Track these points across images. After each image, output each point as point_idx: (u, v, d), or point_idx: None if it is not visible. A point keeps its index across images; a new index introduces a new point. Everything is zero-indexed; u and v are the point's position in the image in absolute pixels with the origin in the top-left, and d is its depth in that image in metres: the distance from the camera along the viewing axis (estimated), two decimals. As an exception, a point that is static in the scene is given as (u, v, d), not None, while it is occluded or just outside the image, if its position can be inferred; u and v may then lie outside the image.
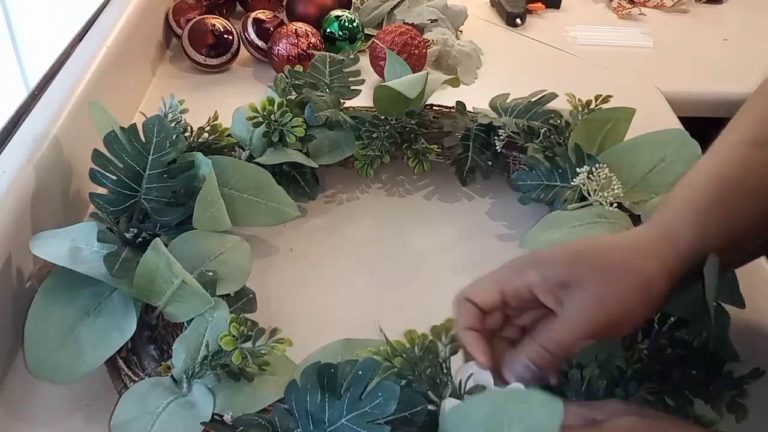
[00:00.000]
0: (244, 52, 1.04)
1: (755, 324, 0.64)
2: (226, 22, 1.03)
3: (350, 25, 1.03)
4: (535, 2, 1.26)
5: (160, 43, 1.06)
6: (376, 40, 0.98)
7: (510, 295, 0.48)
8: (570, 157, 0.72)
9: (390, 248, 0.74)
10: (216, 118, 0.74)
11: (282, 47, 0.97)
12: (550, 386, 0.49)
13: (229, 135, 0.74)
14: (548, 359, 0.46)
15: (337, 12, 1.04)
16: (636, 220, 0.68)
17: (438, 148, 0.80)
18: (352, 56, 0.83)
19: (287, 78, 0.79)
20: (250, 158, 0.74)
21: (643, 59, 1.13)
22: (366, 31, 1.07)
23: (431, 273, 0.71)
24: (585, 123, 0.75)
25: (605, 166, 0.69)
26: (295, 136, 0.73)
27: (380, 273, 0.71)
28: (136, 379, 0.53)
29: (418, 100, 0.78)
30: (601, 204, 0.68)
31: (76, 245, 0.59)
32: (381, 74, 0.98)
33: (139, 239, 0.63)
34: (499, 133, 0.78)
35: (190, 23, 1.01)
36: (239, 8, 1.19)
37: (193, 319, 0.56)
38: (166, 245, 0.59)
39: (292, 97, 0.78)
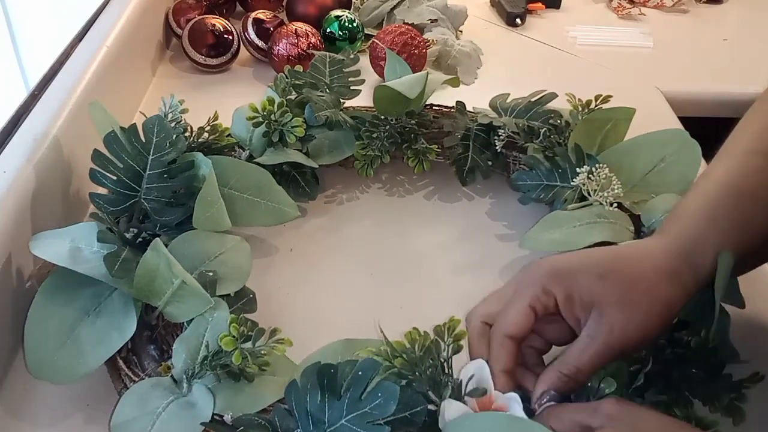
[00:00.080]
0: (244, 52, 1.04)
1: (755, 324, 0.64)
2: (226, 22, 1.03)
3: (350, 25, 1.03)
4: (535, 2, 1.26)
5: (160, 43, 1.06)
6: (376, 40, 0.98)
7: (541, 314, 0.49)
8: (570, 157, 0.72)
9: (390, 248, 0.74)
10: (216, 118, 0.74)
11: (282, 47, 0.97)
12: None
13: (229, 135, 0.74)
14: (570, 384, 0.47)
15: (337, 12, 1.04)
16: (636, 220, 0.68)
17: (438, 148, 0.80)
18: (352, 56, 0.83)
19: (287, 78, 0.79)
20: (250, 158, 0.74)
21: (643, 59, 1.13)
22: (366, 31, 1.07)
23: (431, 273, 0.71)
24: (585, 123, 0.75)
25: (605, 166, 0.69)
26: (295, 136, 0.73)
27: (380, 273, 0.71)
28: (136, 379, 0.53)
29: (418, 100, 0.78)
30: (601, 204, 0.68)
31: (76, 245, 0.59)
32: (381, 74, 0.98)
33: (139, 239, 0.63)
34: (499, 133, 0.78)
35: (190, 23, 1.01)
36: (239, 8, 1.19)
37: (193, 319, 0.56)
38: (166, 245, 0.59)
39: (292, 97, 0.78)
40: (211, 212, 0.64)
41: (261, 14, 1.04)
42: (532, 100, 0.79)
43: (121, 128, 0.63)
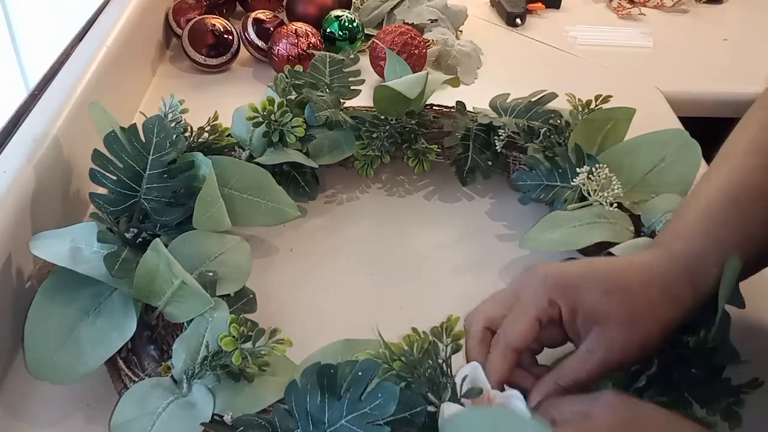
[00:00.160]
0: (244, 52, 1.04)
1: (755, 324, 0.64)
2: (226, 22, 1.03)
3: (350, 25, 1.03)
4: (535, 2, 1.26)
5: (160, 43, 1.06)
6: (376, 40, 0.98)
7: (545, 325, 0.49)
8: (570, 157, 0.72)
9: (390, 248, 0.74)
10: (216, 118, 0.74)
11: (282, 47, 0.97)
12: None
13: (229, 135, 0.74)
14: (565, 395, 0.47)
15: (337, 12, 1.04)
16: (636, 220, 0.68)
17: (438, 148, 0.80)
18: (352, 56, 0.83)
19: (287, 78, 0.79)
20: (250, 158, 0.74)
21: (643, 59, 1.13)
22: (366, 31, 1.07)
23: (431, 273, 0.71)
24: (585, 123, 0.75)
25: (605, 166, 0.69)
26: (295, 136, 0.73)
27: (380, 273, 0.71)
28: (136, 379, 0.53)
29: (418, 100, 0.78)
30: (601, 204, 0.68)
31: (76, 245, 0.59)
32: (381, 74, 0.98)
33: (139, 239, 0.63)
34: (499, 133, 0.78)
35: (190, 23, 1.01)
36: (239, 8, 1.19)
37: (193, 319, 0.56)
38: (166, 245, 0.59)
39: (292, 97, 0.78)
40: (211, 212, 0.64)
41: (261, 14, 1.04)
42: (532, 100, 0.79)
43: (121, 128, 0.63)
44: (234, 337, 0.51)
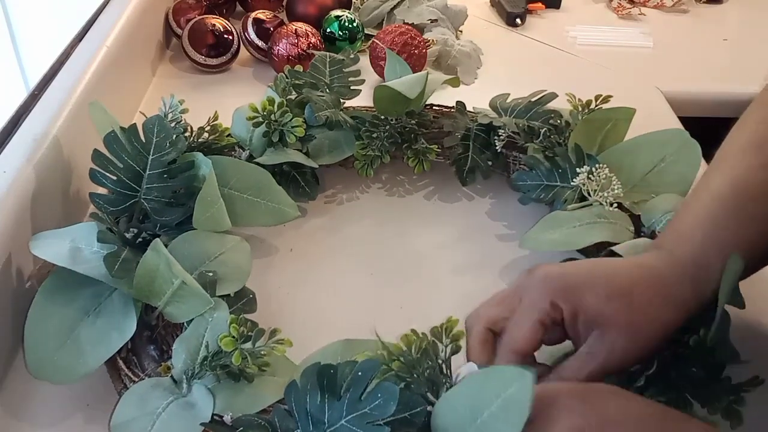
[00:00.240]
0: (244, 52, 1.04)
1: (755, 324, 0.64)
2: (226, 22, 1.03)
3: (350, 25, 1.03)
4: (535, 2, 1.26)
5: (160, 43, 1.06)
6: (376, 40, 0.98)
7: (549, 328, 0.49)
8: (570, 157, 0.72)
9: (390, 248, 0.74)
10: (216, 118, 0.74)
11: (282, 47, 0.97)
12: None
13: (229, 135, 0.74)
14: None
15: (337, 12, 1.04)
16: (636, 220, 0.68)
17: (438, 148, 0.80)
18: (352, 56, 0.83)
19: (287, 78, 0.79)
20: (250, 158, 0.74)
21: (643, 59, 1.13)
22: (366, 31, 1.07)
23: (431, 273, 0.71)
24: (585, 123, 0.75)
25: (605, 166, 0.69)
26: (295, 136, 0.73)
27: (380, 273, 0.71)
28: (136, 379, 0.53)
29: (418, 100, 0.78)
30: (601, 204, 0.68)
31: (76, 245, 0.59)
32: (381, 74, 0.98)
33: (139, 239, 0.63)
34: (499, 133, 0.78)
35: (190, 23, 1.01)
36: (239, 8, 1.19)
37: (193, 319, 0.56)
38: (166, 245, 0.59)
39: (292, 97, 0.78)
40: (211, 212, 0.64)
41: (261, 14, 1.04)
42: (532, 100, 0.79)
43: (121, 128, 0.63)
44: (234, 337, 0.51)
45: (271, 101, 0.73)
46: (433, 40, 1.04)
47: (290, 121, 0.73)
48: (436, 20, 1.09)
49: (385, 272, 0.71)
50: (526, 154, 0.75)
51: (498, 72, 1.07)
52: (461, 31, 1.15)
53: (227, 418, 0.50)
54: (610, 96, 0.77)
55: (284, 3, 1.13)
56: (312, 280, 0.70)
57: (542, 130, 0.76)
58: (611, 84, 0.94)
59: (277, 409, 0.47)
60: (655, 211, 0.67)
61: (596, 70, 1.10)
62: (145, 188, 0.63)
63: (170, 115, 0.70)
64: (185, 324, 0.56)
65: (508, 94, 0.81)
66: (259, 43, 1.02)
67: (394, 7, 1.12)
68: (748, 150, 0.55)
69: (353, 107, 0.83)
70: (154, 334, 0.58)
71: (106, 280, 0.57)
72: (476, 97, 0.82)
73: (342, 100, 0.81)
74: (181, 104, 0.71)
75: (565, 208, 0.70)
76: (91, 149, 0.62)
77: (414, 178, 0.84)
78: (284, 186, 0.73)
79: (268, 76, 1.00)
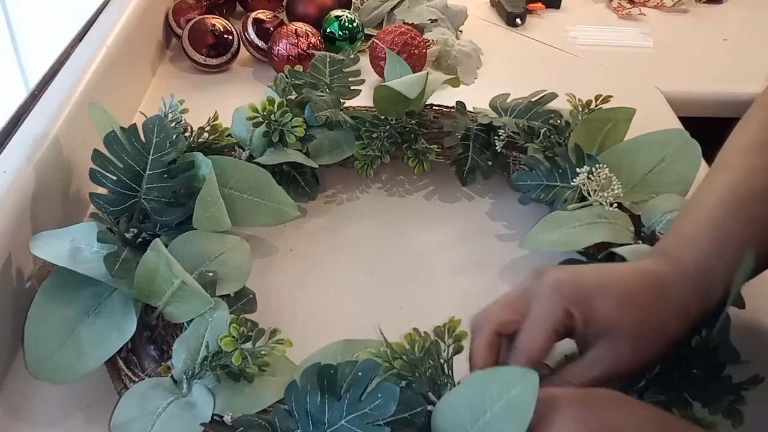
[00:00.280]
0: (244, 52, 1.04)
1: (755, 324, 0.64)
2: (226, 22, 1.03)
3: (350, 25, 1.03)
4: (535, 2, 1.26)
5: (160, 43, 1.06)
6: (376, 40, 0.98)
7: (561, 334, 0.49)
8: (570, 157, 0.72)
9: (390, 248, 0.74)
10: (216, 118, 0.74)
11: (282, 47, 0.97)
12: None
13: (229, 135, 0.74)
14: None
15: (337, 12, 1.04)
16: (636, 220, 0.68)
17: (438, 148, 0.80)
18: (352, 56, 0.83)
19: (287, 78, 0.79)
20: (250, 158, 0.74)
21: (643, 59, 1.13)
22: (366, 31, 1.07)
23: (431, 273, 0.71)
24: (585, 123, 0.75)
25: (605, 166, 0.69)
26: (295, 136, 0.73)
27: (380, 273, 0.71)
28: (136, 379, 0.53)
29: (418, 100, 0.78)
30: (601, 204, 0.68)
31: (76, 245, 0.59)
32: (381, 74, 0.98)
33: (139, 239, 0.63)
34: (499, 133, 0.78)
35: (190, 23, 1.01)
36: (239, 8, 1.19)
37: (193, 319, 0.56)
38: (166, 245, 0.59)
39: (292, 97, 0.78)
40: (211, 212, 0.64)
41: (261, 14, 1.04)
42: (532, 100, 0.79)
43: (121, 128, 0.63)
44: (234, 337, 0.51)
45: (271, 101, 0.73)
46: (433, 40, 1.04)
47: (290, 121, 0.73)
48: (436, 20, 1.09)
49: (385, 272, 0.71)
50: (526, 154, 0.75)
51: (498, 72, 1.07)
52: (461, 31, 1.15)
53: (227, 418, 0.50)
54: (610, 96, 0.77)
55: (284, 3, 1.13)
56: (312, 280, 0.70)
57: (542, 130, 0.76)
58: (611, 84, 0.94)
59: (277, 409, 0.47)
60: (655, 211, 0.67)
61: (596, 70, 1.10)
62: (145, 188, 0.63)
63: (170, 115, 0.70)
64: (185, 324, 0.56)
65: (508, 94, 0.81)
66: (259, 43, 1.02)
67: (394, 7, 1.12)
68: (750, 152, 0.55)
69: (353, 107, 0.83)
70: (154, 334, 0.58)
71: (106, 280, 0.57)
72: (476, 97, 0.82)
73: (342, 100, 0.81)
74: (181, 104, 0.71)
75: (565, 208, 0.70)
76: (91, 149, 0.62)
77: (414, 178, 0.84)
78: (284, 186, 0.73)
79: (268, 76, 1.00)
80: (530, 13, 1.24)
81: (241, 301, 0.60)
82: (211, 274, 0.59)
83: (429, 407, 0.46)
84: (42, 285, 0.57)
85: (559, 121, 0.77)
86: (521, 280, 0.69)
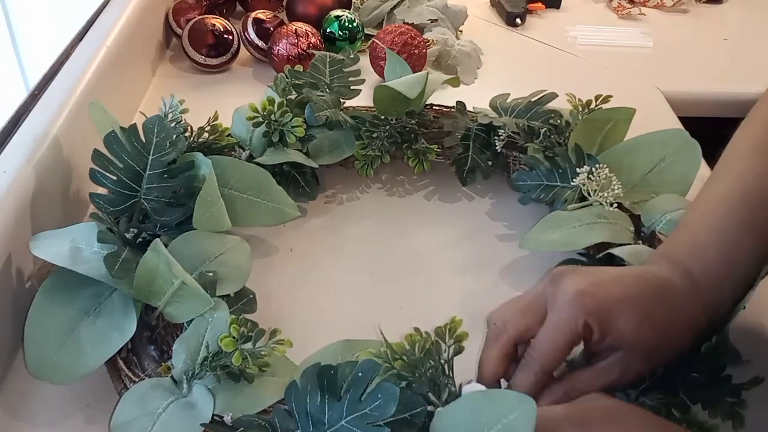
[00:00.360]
0: (244, 52, 1.04)
1: (755, 324, 0.64)
2: (226, 22, 1.03)
3: (350, 25, 1.03)
4: (535, 2, 1.26)
5: (160, 43, 1.06)
6: (376, 40, 0.98)
7: (576, 345, 0.48)
8: (570, 157, 0.72)
9: (390, 248, 0.74)
10: (216, 118, 0.74)
11: (282, 47, 0.97)
12: None
13: (229, 135, 0.74)
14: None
15: (337, 12, 1.04)
16: (636, 220, 0.68)
17: (438, 148, 0.80)
18: (352, 56, 0.83)
19: (287, 78, 0.79)
20: (250, 158, 0.74)
21: (643, 59, 1.13)
22: (366, 31, 1.07)
23: (431, 273, 0.71)
24: (585, 123, 0.75)
25: (605, 166, 0.69)
26: (295, 136, 0.73)
27: (380, 273, 0.71)
28: (136, 379, 0.53)
29: (418, 100, 0.78)
30: (601, 204, 0.68)
31: (76, 245, 0.59)
32: (381, 74, 0.98)
33: (139, 239, 0.63)
34: (499, 133, 0.78)
35: (190, 23, 1.01)
36: (239, 8, 1.19)
37: (193, 319, 0.56)
38: (166, 245, 0.59)
39: (292, 97, 0.78)
40: (211, 212, 0.64)
41: (261, 14, 1.04)
42: (532, 100, 0.79)
43: (121, 128, 0.63)
44: (234, 337, 0.51)
45: (271, 101, 0.73)
46: (433, 40, 1.04)
47: (290, 121, 0.73)
48: (436, 20, 1.09)
49: (385, 272, 0.71)
50: (526, 154, 0.75)
51: (498, 72, 1.07)
52: (461, 31, 1.15)
53: (227, 419, 0.50)
54: (610, 96, 0.77)
55: (284, 3, 1.13)
56: (312, 280, 0.70)
57: (542, 130, 0.76)
58: (611, 84, 0.93)
59: (278, 409, 0.47)
60: (655, 211, 0.67)
61: (596, 70, 1.10)
62: (145, 188, 0.63)
63: (170, 115, 0.70)
64: (185, 324, 0.56)
65: (508, 94, 0.81)
66: (259, 43, 1.02)
67: (394, 7, 1.12)
68: (757, 155, 0.55)
69: (353, 107, 0.83)
70: (154, 335, 0.58)
71: (106, 280, 0.57)
72: (476, 97, 0.82)
73: (342, 100, 0.81)
74: (181, 104, 0.71)
75: (565, 208, 0.70)
76: (91, 149, 0.62)
77: (414, 178, 0.84)
78: (284, 186, 0.73)
79: (268, 76, 1.00)
80: (530, 13, 1.24)
81: (241, 301, 0.60)
82: (211, 274, 0.59)
83: (429, 408, 0.46)
84: (42, 285, 0.57)
85: (559, 121, 0.77)
86: (521, 280, 0.70)
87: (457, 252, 0.74)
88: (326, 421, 0.45)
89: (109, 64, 0.83)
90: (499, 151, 0.78)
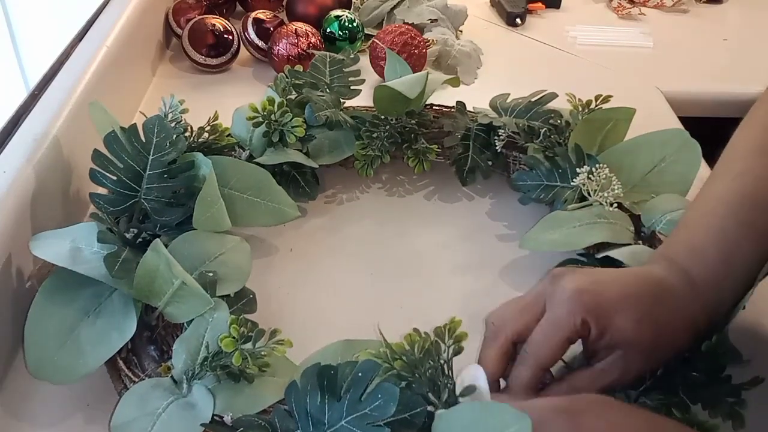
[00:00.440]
0: (244, 52, 1.04)
1: (755, 324, 0.64)
2: (226, 22, 1.03)
3: (350, 25, 1.03)
4: (535, 2, 1.26)
5: (160, 43, 1.06)
6: (376, 40, 0.98)
7: (573, 343, 0.49)
8: (570, 157, 0.72)
9: (390, 248, 0.74)
10: (216, 118, 0.74)
11: (282, 47, 0.97)
12: None
13: (229, 135, 0.74)
14: None
15: (337, 12, 1.04)
16: (636, 220, 0.68)
17: (438, 148, 0.80)
18: (352, 56, 0.83)
19: (287, 78, 0.79)
20: (250, 158, 0.74)
21: (643, 59, 1.13)
22: (366, 31, 1.07)
23: (431, 273, 0.71)
24: (585, 123, 0.75)
25: (605, 166, 0.69)
26: (295, 136, 0.73)
27: (380, 273, 0.71)
28: (136, 379, 0.53)
29: (418, 100, 0.78)
30: (601, 204, 0.68)
31: (76, 245, 0.59)
32: (381, 74, 0.98)
33: (139, 239, 0.63)
34: (499, 133, 0.78)
35: (190, 23, 1.01)
36: (239, 8, 1.19)
37: (193, 319, 0.56)
38: (166, 246, 0.59)
39: (292, 97, 0.78)
40: (211, 212, 0.64)
41: (261, 14, 1.04)
42: (532, 100, 0.79)
43: (121, 128, 0.63)
44: (234, 337, 0.51)
45: (271, 101, 0.73)
46: (433, 40, 1.04)
47: (290, 121, 0.73)
48: (436, 20, 1.09)
49: (385, 272, 0.71)
50: (526, 154, 0.75)
51: (498, 72, 1.07)
52: (461, 31, 1.15)
53: (227, 419, 0.50)
54: (610, 96, 0.77)
55: (284, 3, 1.13)
56: (312, 280, 0.70)
57: (542, 130, 0.76)
58: (611, 84, 0.93)
59: (277, 409, 0.47)
60: (655, 211, 0.67)
61: (596, 70, 1.10)
62: (145, 188, 0.63)
63: (170, 115, 0.70)
64: (185, 324, 0.56)
65: (508, 94, 0.81)
66: (259, 43, 1.02)
67: (394, 7, 1.12)
68: (756, 156, 0.55)
69: (353, 107, 0.83)
70: (154, 335, 0.58)
71: (106, 281, 0.57)
72: (476, 97, 0.82)
73: (342, 100, 0.81)
74: (181, 104, 0.71)
75: (565, 208, 0.70)
76: (91, 149, 0.62)
77: (414, 178, 0.84)
78: (284, 186, 0.73)
79: (268, 76, 1.00)
80: (530, 13, 1.24)
81: (241, 301, 0.60)
82: (211, 274, 0.59)
83: (429, 408, 0.46)
84: (42, 285, 0.57)
85: (559, 121, 0.77)
86: (521, 280, 0.70)
87: (457, 252, 0.74)
88: (326, 421, 0.45)
89: (109, 64, 0.83)
90: (499, 151, 0.78)
